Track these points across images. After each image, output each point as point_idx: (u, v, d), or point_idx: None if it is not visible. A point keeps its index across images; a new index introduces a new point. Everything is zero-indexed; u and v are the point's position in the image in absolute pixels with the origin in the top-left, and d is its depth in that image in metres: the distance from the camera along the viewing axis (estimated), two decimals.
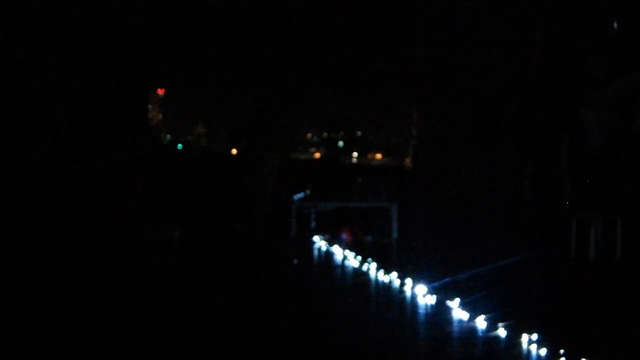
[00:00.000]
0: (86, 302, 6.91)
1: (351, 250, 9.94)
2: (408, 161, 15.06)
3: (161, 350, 5.57)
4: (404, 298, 7.47)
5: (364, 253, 9.55)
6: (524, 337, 5.79)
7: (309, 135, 16.53)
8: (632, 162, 9.77)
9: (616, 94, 9.96)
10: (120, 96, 11.93)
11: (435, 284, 7.59)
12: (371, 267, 8.82)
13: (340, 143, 16.12)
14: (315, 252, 10.52)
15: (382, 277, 8.37)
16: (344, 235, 11.36)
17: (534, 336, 5.75)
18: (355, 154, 16.35)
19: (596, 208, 9.38)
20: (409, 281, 7.81)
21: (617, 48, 10.61)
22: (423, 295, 7.33)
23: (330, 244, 10.74)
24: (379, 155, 16.49)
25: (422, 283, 7.52)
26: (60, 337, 5.80)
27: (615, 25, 10.85)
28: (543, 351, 5.56)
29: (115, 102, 11.86)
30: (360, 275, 8.72)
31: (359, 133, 16.41)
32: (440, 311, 6.84)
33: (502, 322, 6.17)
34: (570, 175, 9.94)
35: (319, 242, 11.00)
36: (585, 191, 9.80)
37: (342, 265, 9.44)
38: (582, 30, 11.25)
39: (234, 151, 15.99)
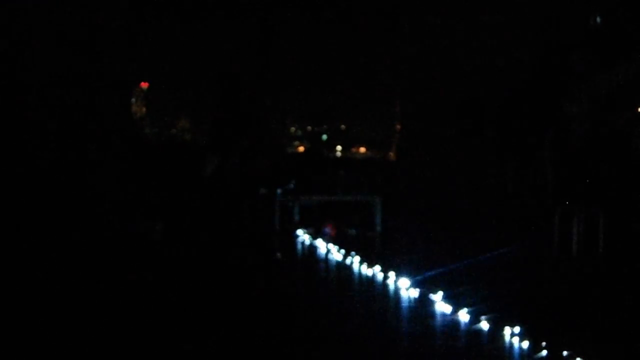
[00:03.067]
0: (70, 296, 6.89)
1: (335, 243, 9.93)
2: (392, 154, 15.07)
3: (146, 341, 5.56)
4: (387, 291, 7.48)
5: (348, 246, 9.55)
6: (507, 330, 5.80)
7: (293, 129, 16.51)
8: (615, 156, 9.81)
9: (599, 88, 9.99)
10: (103, 90, 11.88)
11: (419, 277, 7.60)
12: (354, 261, 8.82)
13: (324, 136, 16.11)
14: (299, 246, 10.51)
15: (366, 270, 8.37)
16: (328, 229, 11.35)
17: (517, 329, 5.76)
18: (339, 148, 16.34)
19: (579, 202, 9.40)
20: (392, 274, 7.82)
21: (601, 42, 10.64)
22: (406, 289, 7.34)
23: (314, 237, 10.73)
24: (362, 149, 16.49)
25: (405, 276, 7.52)
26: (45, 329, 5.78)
27: (598, 19, 10.88)
28: (525, 344, 5.57)
29: (98, 97, 11.81)
30: (343, 268, 8.72)
31: (342, 126, 16.40)
32: (423, 304, 6.85)
33: (484, 315, 6.18)
34: (554, 169, 9.97)
35: (303, 236, 10.99)
36: (568, 185, 9.82)
37: (326, 259, 9.44)
38: (565, 24, 11.28)
39: None
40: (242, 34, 14.10)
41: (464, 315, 6.32)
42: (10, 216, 9.91)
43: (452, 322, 6.28)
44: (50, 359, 5.27)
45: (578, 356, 5.17)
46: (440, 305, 6.69)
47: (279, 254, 10.09)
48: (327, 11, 13.98)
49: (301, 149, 16.25)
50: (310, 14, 13.97)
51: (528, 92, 11.40)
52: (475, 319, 6.20)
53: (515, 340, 5.67)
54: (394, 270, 7.86)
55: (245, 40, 14.11)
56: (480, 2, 12.56)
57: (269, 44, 13.88)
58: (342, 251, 9.39)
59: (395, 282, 7.63)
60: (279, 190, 11.63)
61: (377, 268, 8.20)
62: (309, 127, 16.26)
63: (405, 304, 7.00)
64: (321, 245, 10.18)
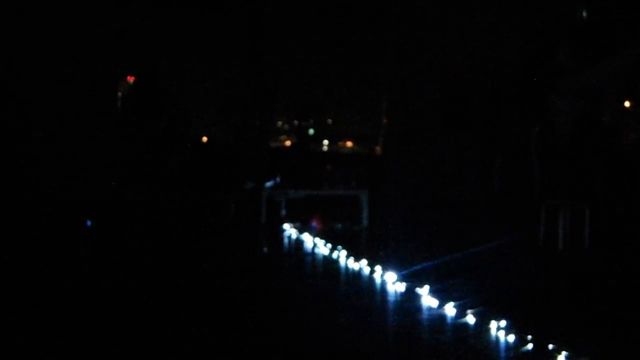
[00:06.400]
0: (58, 293, 6.87)
1: (321, 238, 9.93)
2: (378, 149, 15.08)
3: (132, 336, 5.54)
4: (373, 285, 7.47)
5: (334, 241, 9.54)
6: (493, 324, 5.81)
7: (280, 123, 16.49)
8: (601, 150, 9.84)
9: (586, 83, 10.02)
10: (89, 84, 11.84)
11: (405, 271, 7.60)
12: (341, 255, 8.82)
13: (311, 131, 16.09)
14: (286, 240, 10.50)
15: (352, 264, 8.37)
16: (314, 223, 11.34)
17: (503, 323, 5.77)
18: (325, 142, 16.33)
19: (565, 196, 9.43)
20: (378, 268, 7.82)
21: (587, 37, 10.66)
22: (392, 283, 7.34)
23: (301, 231, 10.73)
24: (349, 143, 16.49)
25: (392, 270, 7.52)
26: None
27: (584, 14, 10.90)
28: (511, 338, 5.58)
29: (84, 90, 11.77)
30: (330, 262, 8.71)
31: (329, 121, 16.39)
32: (409, 298, 6.85)
33: (471, 309, 6.19)
34: (540, 163, 9.99)
35: (289, 230, 10.98)
36: (555, 180, 9.85)
37: (312, 253, 9.43)
38: (552, 19, 11.29)
39: (204, 139, 15.92)
40: (230, 28, 14.07)
41: (450, 309, 6.33)
42: None
43: (438, 316, 6.29)
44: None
45: (564, 350, 5.18)
46: (427, 299, 6.70)
47: (265, 248, 10.08)
48: (314, 6, 13.97)
49: (288, 143, 16.23)
50: (298, 8, 13.95)
51: (514, 86, 11.42)
52: (461, 313, 6.21)
53: (501, 334, 5.68)
54: (380, 265, 7.86)
55: (234, 34, 14.07)
56: None
57: (257, 39, 13.85)
58: (329, 245, 9.39)
59: (382, 276, 7.63)
60: (265, 185, 11.62)
61: (364, 262, 8.20)
62: (296, 121, 16.24)
63: (391, 298, 7.00)
64: (308, 239, 10.17)
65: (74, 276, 7.48)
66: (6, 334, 5.51)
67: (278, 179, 11.76)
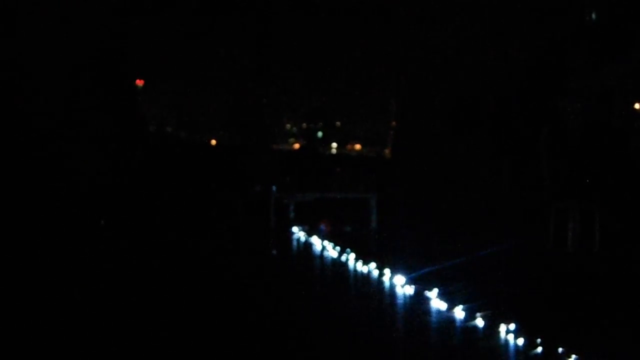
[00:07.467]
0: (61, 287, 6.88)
1: (330, 240, 9.92)
2: (387, 151, 15.06)
3: (140, 336, 5.55)
4: (382, 288, 7.47)
5: (343, 243, 9.54)
6: (502, 327, 5.80)
7: (288, 126, 16.50)
8: (611, 152, 9.81)
9: (596, 85, 9.99)
10: (97, 87, 11.86)
11: (414, 274, 7.59)
12: (350, 258, 8.81)
13: (320, 134, 16.10)
14: (294, 243, 10.50)
15: (361, 267, 8.36)
16: (323, 226, 11.33)
17: (512, 326, 5.76)
18: (334, 145, 16.33)
19: (574, 198, 9.40)
20: (387, 271, 7.81)
21: (596, 39, 10.63)
22: (402, 286, 7.33)
23: (309, 234, 10.72)
24: (358, 146, 16.49)
25: (401, 273, 7.51)
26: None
27: (593, 16, 10.87)
28: (520, 340, 5.57)
29: (92, 93, 11.79)
30: (339, 265, 8.71)
31: (338, 124, 16.39)
32: (418, 301, 6.84)
33: (480, 311, 6.18)
34: (549, 164, 9.96)
35: (298, 233, 10.97)
36: (564, 182, 9.82)
37: (321, 256, 9.42)
38: (561, 21, 11.27)
39: (213, 142, 15.94)
40: (240, 33, 14.09)
41: (459, 312, 6.32)
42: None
43: (447, 319, 6.28)
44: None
45: (573, 353, 5.17)
46: (436, 302, 6.69)
47: (274, 251, 10.08)
48: (323, 9, 13.97)
49: (297, 146, 16.24)
50: (307, 11, 13.96)
51: (524, 88, 11.40)
52: (470, 316, 6.20)
53: (511, 337, 5.66)
54: (389, 267, 7.85)
55: (243, 38, 14.09)
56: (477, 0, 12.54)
57: (266, 43, 13.87)
58: (338, 248, 9.38)
59: (391, 279, 7.62)
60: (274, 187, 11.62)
61: (373, 265, 8.20)
62: (304, 124, 16.25)
63: (400, 301, 6.99)
64: (316, 242, 10.16)
65: (83, 274, 7.49)
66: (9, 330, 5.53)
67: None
